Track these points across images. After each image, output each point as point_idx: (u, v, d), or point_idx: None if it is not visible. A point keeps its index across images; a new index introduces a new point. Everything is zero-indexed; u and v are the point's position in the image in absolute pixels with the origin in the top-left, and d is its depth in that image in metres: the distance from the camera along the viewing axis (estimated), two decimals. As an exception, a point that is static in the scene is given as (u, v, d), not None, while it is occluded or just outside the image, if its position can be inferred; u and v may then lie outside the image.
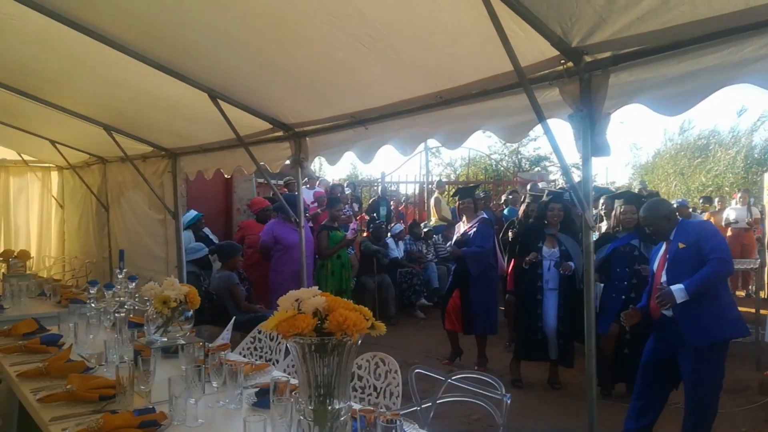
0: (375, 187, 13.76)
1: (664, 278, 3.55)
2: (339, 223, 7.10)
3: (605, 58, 2.34)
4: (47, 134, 6.73)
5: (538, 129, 2.67)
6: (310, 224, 7.23)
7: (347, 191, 10.29)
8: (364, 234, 9.08)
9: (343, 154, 3.87)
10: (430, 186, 12.55)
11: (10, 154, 8.40)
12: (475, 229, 5.65)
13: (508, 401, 2.43)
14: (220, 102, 3.80)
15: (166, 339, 2.53)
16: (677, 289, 3.36)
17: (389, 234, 9.11)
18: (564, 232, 5.09)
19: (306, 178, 10.90)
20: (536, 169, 17.30)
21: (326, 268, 6.95)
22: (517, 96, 2.70)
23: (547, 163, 17.99)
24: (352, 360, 1.63)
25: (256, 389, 2.49)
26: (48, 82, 4.48)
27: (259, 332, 3.80)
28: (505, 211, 9.29)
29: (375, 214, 10.21)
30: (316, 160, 4.81)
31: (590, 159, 2.47)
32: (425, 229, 9.43)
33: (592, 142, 2.42)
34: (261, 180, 10.54)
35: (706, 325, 3.38)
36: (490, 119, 2.86)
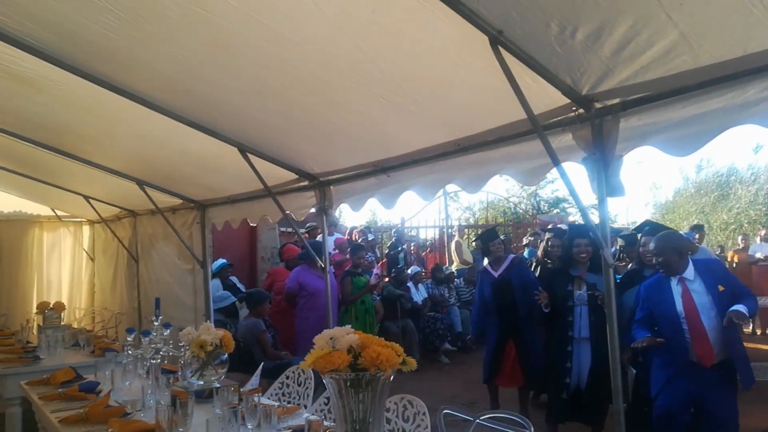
0: (391, 234, 13.92)
1: (707, 322, 3.25)
2: (362, 268, 7.21)
3: (614, 105, 2.47)
4: (81, 190, 7.04)
5: (555, 171, 2.81)
6: (334, 271, 7.34)
7: (370, 237, 10.43)
8: (386, 279, 9.16)
9: (367, 200, 4.02)
10: (450, 230, 12.64)
11: (44, 210, 8.76)
12: (514, 270, 5.29)
13: (537, 439, 2.46)
14: (249, 155, 4.01)
15: (202, 382, 2.63)
16: (741, 307, 3.14)
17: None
18: (594, 272, 4.39)
19: (330, 225, 11.15)
20: (555, 210, 17.34)
21: (350, 313, 7.01)
22: (532, 142, 2.83)
23: (566, 205, 18.04)
24: (386, 396, 1.71)
25: (290, 430, 2.57)
26: (86, 141, 4.75)
27: (287, 377, 3.88)
28: (525, 253, 9.32)
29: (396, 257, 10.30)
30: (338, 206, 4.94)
31: (605, 199, 2.58)
32: (447, 273, 9.46)
33: (607, 184, 2.53)
34: (283, 229, 10.78)
35: (749, 366, 3.30)
36: (508, 164, 2.99)
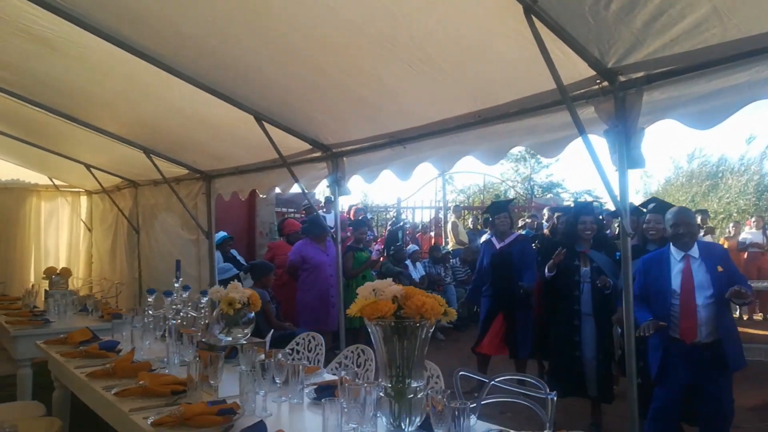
0: (386, 214, 14.00)
1: (702, 300, 3.33)
2: (363, 245, 7.28)
3: (639, 78, 2.54)
4: (83, 158, 7.02)
5: (574, 144, 2.89)
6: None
7: (369, 216, 10.50)
8: (380, 258, 9.25)
9: (381, 172, 4.07)
10: (447, 211, 12.75)
11: (42, 179, 8.71)
12: (517, 246, 5.41)
13: (554, 398, 2.55)
14: (264, 123, 4.04)
15: (230, 339, 2.70)
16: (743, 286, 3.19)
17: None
18: (598, 249, 4.56)
19: (324, 203, 11.21)
20: (548, 195, 17.51)
21: (351, 288, 7.10)
22: (554, 114, 2.91)
23: (560, 190, 18.22)
24: (426, 344, 1.79)
25: (315, 386, 2.65)
26: (97, 106, 4.74)
27: (297, 344, 3.96)
28: (523, 232, 9.46)
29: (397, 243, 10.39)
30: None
31: (626, 171, 2.66)
32: (444, 252, 9.57)
33: (628, 156, 2.61)
34: (278, 209, 10.82)
35: (740, 348, 3.40)
36: (528, 136, 3.06)
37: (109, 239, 8.40)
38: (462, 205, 13.70)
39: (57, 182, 8.83)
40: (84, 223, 9.21)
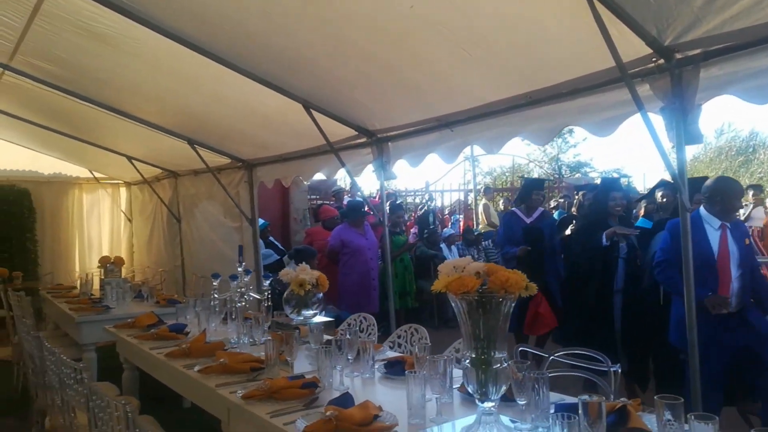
0: (414, 198, 14.08)
1: (735, 272, 3.40)
2: (400, 228, 7.39)
3: (696, 55, 2.57)
4: (124, 150, 7.22)
5: (628, 122, 2.94)
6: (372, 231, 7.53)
7: (398, 200, 10.60)
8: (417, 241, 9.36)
9: (426, 156, 4.15)
10: (476, 194, 12.79)
11: (83, 172, 8.98)
12: (546, 221, 5.49)
13: (618, 370, 2.64)
14: (312, 112, 4.14)
15: (301, 318, 2.84)
16: None
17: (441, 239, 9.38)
18: (626, 225, 4.66)
19: (349, 188, 11.33)
20: (576, 174, 17.41)
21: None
22: (607, 93, 2.95)
23: (588, 169, 18.09)
24: (508, 318, 1.89)
25: (384, 362, 2.78)
26: (146, 100, 4.90)
27: (349, 325, 4.10)
28: (555, 215, 9.47)
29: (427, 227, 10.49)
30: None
31: (683, 147, 2.71)
32: (476, 234, 9.65)
33: (686, 132, 2.65)
34: (311, 196, 10.97)
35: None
36: (581, 115, 3.10)
37: (148, 229, 8.63)
38: (492, 187, 13.71)
39: (97, 175, 9.09)
40: (124, 213, 9.47)
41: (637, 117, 2.83)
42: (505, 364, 1.86)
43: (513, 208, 5.86)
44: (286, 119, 4.45)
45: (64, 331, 5.32)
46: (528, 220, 5.49)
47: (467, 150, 10.39)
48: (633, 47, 2.63)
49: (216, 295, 3.51)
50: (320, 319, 2.94)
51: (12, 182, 8.35)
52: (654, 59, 2.68)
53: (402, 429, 2.00)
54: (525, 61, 3.04)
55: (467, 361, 1.88)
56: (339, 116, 4.23)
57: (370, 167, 4.59)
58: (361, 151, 4.62)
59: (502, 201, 11.27)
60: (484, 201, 10.81)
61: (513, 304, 1.87)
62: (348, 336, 2.67)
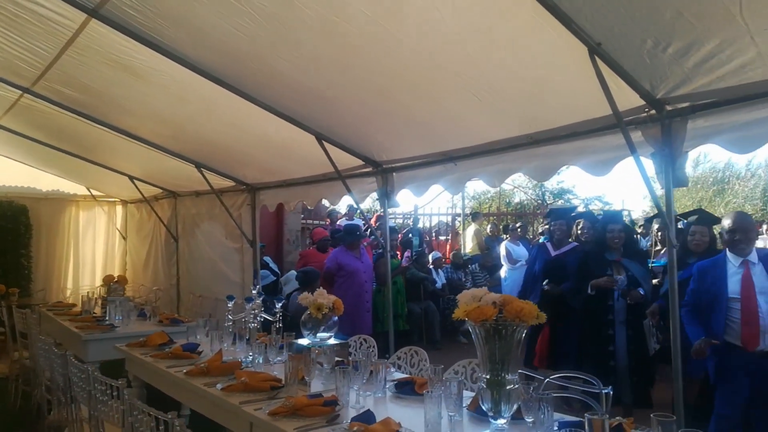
0: (401, 221, 14.35)
1: (766, 306, 3.26)
2: (395, 251, 7.61)
3: (684, 108, 2.86)
4: (127, 170, 7.37)
5: (622, 164, 3.21)
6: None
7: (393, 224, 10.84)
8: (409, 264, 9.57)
9: (430, 186, 4.40)
10: (463, 218, 13.07)
11: (80, 190, 9.07)
12: (572, 256, 5.34)
13: (610, 393, 2.86)
14: (324, 143, 4.37)
15: (317, 339, 3.02)
16: None
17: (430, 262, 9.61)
18: (628, 257, 4.65)
19: (346, 212, 11.54)
20: (559, 201, 17.84)
21: (382, 293, 7.44)
22: (603, 137, 3.23)
23: (570, 196, 18.57)
24: (519, 344, 2.10)
25: (394, 382, 2.97)
26: (166, 126, 5.10)
27: (349, 345, 4.29)
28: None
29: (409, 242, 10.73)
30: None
31: (671, 189, 2.98)
32: (465, 258, 9.89)
33: (674, 176, 2.93)
34: (303, 220, 11.15)
35: None
36: (578, 156, 3.37)
37: (145, 247, 8.73)
38: (478, 211, 14.00)
39: (94, 192, 9.19)
40: (119, 231, 9.55)
41: (629, 160, 3.12)
42: (517, 386, 2.07)
43: (543, 241, 5.84)
44: (297, 148, 4.67)
45: (65, 348, 5.40)
46: (552, 253, 5.44)
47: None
48: (627, 98, 2.91)
49: (230, 317, 3.67)
50: (334, 341, 3.13)
51: (10, 198, 8.42)
52: (646, 110, 2.97)
53: (421, 444, 2.19)
54: (529, 106, 3.31)
55: (483, 382, 2.09)
56: (348, 147, 4.46)
57: (374, 195, 4.81)
58: (366, 180, 4.85)
59: (489, 226, 11.54)
60: (473, 225, 11.07)
61: (525, 332, 2.09)
62: (362, 357, 2.86)
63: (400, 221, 14.24)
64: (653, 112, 2.95)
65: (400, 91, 3.42)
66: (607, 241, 4.64)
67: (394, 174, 4.64)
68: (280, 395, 2.77)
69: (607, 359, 4.44)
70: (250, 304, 3.49)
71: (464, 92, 3.18)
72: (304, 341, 3.08)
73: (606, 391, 2.93)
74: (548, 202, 17.87)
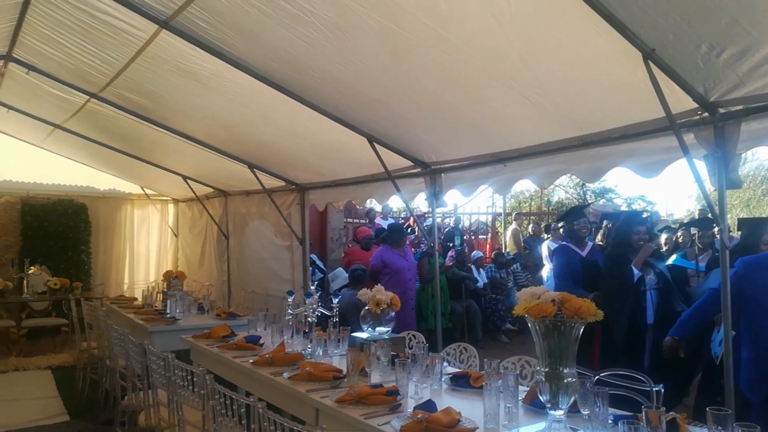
0: (441, 220, 14.45)
1: None
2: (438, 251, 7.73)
3: (738, 110, 2.90)
4: (180, 170, 7.70)
5: (671, 167, 3.26)
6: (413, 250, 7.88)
7: (428, 222, 10.97)
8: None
9: (478, 187, 4.51)
10: (504, 216, 13.08)
11: (134, 189, 9.50)
12: (598, 255, 5.26)
13: (661, 390, 2.92)
14: (375, 145, 4.53)
15: (376, 333, 3.18)
16: None
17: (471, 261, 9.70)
18: (655, 258, 4.66)
19: (381, 211, 11.71)
20: (601, 201, 17.63)
21: (426, 291, 7.59)
22: (653, 139, 3.29)
23: (612, 195, 18.32)
24: (577, 339, 2.21)
25: (449, 375, 3.10)
26: (225, 130, 5.36)
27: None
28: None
29: (450, 243, 10.83)
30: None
31: (725, 191, 3.02)
32: (509, 258, 9.94)
33: (727, 178, 2.97)
34: (347, 220, 11.37)
35: None
36: (628, 158, 3.43)
37: (199, 245, 9.08)
38: (518, 211, 14.01)
39: (148, 192, 9.60)
40: (171, 229, 9.95)
41: (679, 163, 3.18)
42: (574, 379, 2.18)
43: (564, 242, 5.72)
44: (347, 150, 4.85)
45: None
46: (583, 253, 5.40)
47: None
48: (680, 102, 2.97)
49: (290, 311, 3.87)
50: (391, 335, 3.29)
51: (71, 197, 8.88)
52: (699, 112, 3.01)
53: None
54: (581, 109, 3.39)
55: (542, 375, 2.21)
56: (398, 149, 4.61)
57: (422, 195, 4.95)
58: (414, 180, 4.99)
59: (531, 225, 11.53)
60: (513, 225, 11.10)
61: (582, 329, 2.20)
62: (420, 352, 3.01)
63: (439, 220, 14.35)
64: (706, 114, 2.99)
65: (451, 93, 3.54)
66: (632, 242, 4.55)
67: (442, 175, 4.76)
68: (342, 385, 2.94)
69: (641, 362, 4.35)
70: (310, 299, 3.68)
71: (514, 94, 3.29)
72: (362, 335, 3.25)
73: (657, 388, 3.02)
74: (590, 201, 17.69)
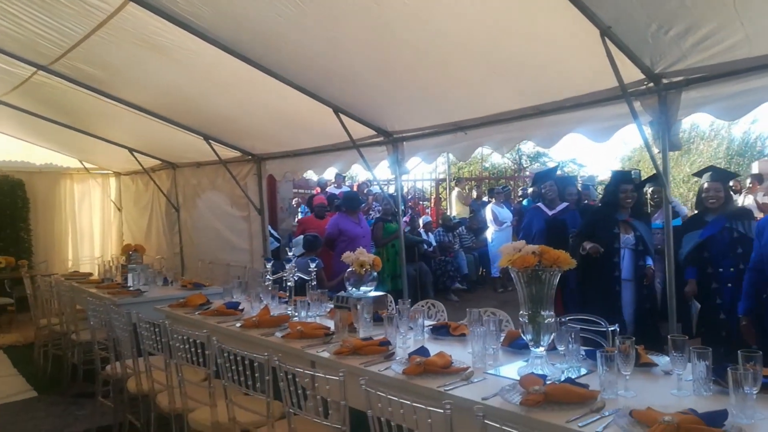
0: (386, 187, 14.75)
1: None
2: (391, 215, 8.00)
3: (679, 81, 3.27)
4: (124, 141, 7.50)
5: (621, 132, 3.63)
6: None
7: (374, 190, 11.21)
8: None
9: (439, 154, 4.78)
10: (448, 182, 13.49)
11: (73, 163, 9.15)
12: (569, 214, 5.54)
13: (617, 330, 3.32)
14: (341, 115, 4.68)
15: (360, 292, 3.42)
16: None
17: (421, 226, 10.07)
18: (637, 217, 4.75)
19: (334, 179, 11.85)
20: (536, 164, 18.44)
21: (382, 255, 7.86)
22: (603, 107, 3.63)
23: (546, 159, 19.18)
24: (555, 286, 2.52)
25: (430, 327, 3.38)
26: (182, 102, 5.31)
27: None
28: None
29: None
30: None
31: (667, 152, 3.42)
32: (455, 221, 10.36)
33: (669, 141, 3.36)
34: (295, 190, 11.43)
35: None
36: (580, 124, 3.78)
37: (146, 218, 8.92)
38: (458, 177, 14.49)
39: (87, 165, 9.28)
40: (114, 203, 9.69)
41: (627, 128, 3.55)
42: (549, 321, 2.51)
43: (537, 204, 5.91)
44: (310, 120, 4.96)
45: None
46: (549, 213, 5.61)
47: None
48: (629, 73, 3.31)
49: (269, 277, 4.03)
50: (373, 294, 3.53)
51: (5, 172, 8.48)
52: (645, 83, 3.37)
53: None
54: (541, 81, 3.68)
55: (525, 318, 2.51)
56: (362, 119, 4.78)
57: (385, 162, 5.16)
58: (377, 149, 5.18)
59: (474, 190, 12.01)
60: (456, 190, 11.52)
61: (558, 277, 2.51)
62: (405, 307, 3.28)
63: (384, 187, 14.63)
64: (651, 84, 3.35)
65: (421, 67, 3.75)
66: (619, 200, 4.69)
67: (404, 143, 4.98)
68: (333, 341, 3.16)
69: (616, 315, 4.45)
70: (289, 265, 3.85)
71: (480, 67, 3.54)
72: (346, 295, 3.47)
73: (613, 328, 3.39)
74: (524, 165, 18.50)
